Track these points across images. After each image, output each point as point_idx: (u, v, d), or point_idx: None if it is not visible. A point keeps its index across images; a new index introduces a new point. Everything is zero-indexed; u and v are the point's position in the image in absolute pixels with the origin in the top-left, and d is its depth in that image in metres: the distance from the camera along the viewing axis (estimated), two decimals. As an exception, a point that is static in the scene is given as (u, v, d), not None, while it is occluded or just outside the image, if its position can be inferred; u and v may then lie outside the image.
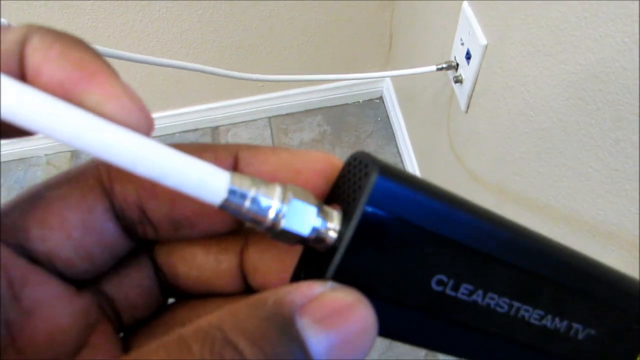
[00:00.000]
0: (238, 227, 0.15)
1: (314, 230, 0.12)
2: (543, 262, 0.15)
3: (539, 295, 0.15)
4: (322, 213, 0.13)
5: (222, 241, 0.15)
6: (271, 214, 0.12)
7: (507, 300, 0.14)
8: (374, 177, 0.12)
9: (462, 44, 0.65)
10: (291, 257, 0.15)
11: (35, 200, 0.13)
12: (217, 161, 0.13)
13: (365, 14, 1.04)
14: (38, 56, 0.10)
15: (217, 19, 0.99)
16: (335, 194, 0.14)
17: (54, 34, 0.11)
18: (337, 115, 1.23)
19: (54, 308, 0.12)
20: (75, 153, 1.21)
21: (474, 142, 0.69)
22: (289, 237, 0.12)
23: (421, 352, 0.94)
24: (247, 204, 0.11)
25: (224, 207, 0.11)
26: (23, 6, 0.90)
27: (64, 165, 1.20)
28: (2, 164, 1.21)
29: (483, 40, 0.59)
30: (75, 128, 0.09)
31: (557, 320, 0.15)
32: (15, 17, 0.92)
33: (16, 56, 0.10)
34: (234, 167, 0.13)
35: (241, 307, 0.11)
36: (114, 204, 0.13)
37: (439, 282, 0.13)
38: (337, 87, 1.20)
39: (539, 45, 0.48)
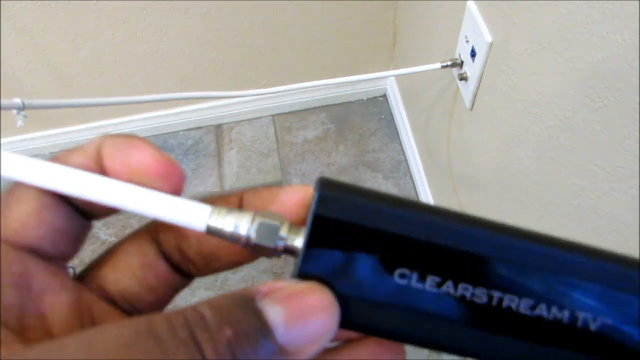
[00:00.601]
0: (255, 258, 0.18)
1: (280, 243, 0.15)
2: (511, 249, 0.15)
3: (522, 284, 0.15)
4: (289, 229, 0.15)
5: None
6: (244, 233, 0.15)
7: (484, 290, 0.15)
8: (317, 192, 0.15)
9: (467, 41, 0.65)
10: None
11: (107, 254, 0.17)
12: (227, 204, 0.17)
13: (369, 11, 1.04)
14: (110, 160, 0.16)
15: (221, 17, 0.99)
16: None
17: (119, 140, 0.16)
18: (340, 113, 1.23)
19: None
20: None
21: (479, 139, 0.69)
22: (264, 251, 0.15)
23: (424, 352, 0.94)
24: (225, 227, 0.15)
25: (209, 232, 0.15)
26: (28, 5, 0.90)
27: (68, 164, 1.20)
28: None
29: (488, 38, 0.59)
30: (138, 204, 0.15)
31: (554, 309, 0.15)
32: (20, 17, 0.92)
33: (96, 158, 0.16)
34: (239, 206, 0.17)
35: (216, 296, 0.13)
36: (161, 248, 0.17)
37: (402, 275, 0.15)
38: (341, 85, 1.20)
39: (545, 42, 0.48)
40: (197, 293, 1.00)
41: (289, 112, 1.23)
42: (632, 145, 0.40)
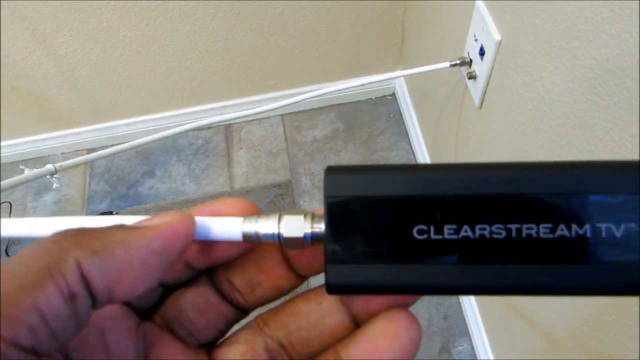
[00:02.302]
0: (298, 282, 0.19)
1: (308, 232, 0.17)
2: (510, 182, 0.15)
3: (534, 211, 0.15)
4: (313, 219, 0.17)
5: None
6: (274, 231, 0.17)
7: (500, 225, 0.15)
8: (325, 177, 0.16)
9: (476, 40, 0.65)
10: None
11: (173, 299, 0.19)
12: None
13: (377, 10, 1.04)
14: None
15: (229, 18, 0.99)
16: None
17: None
18: (349, 113, 1.23)
19: None
20: (90, 151, 1.23)
21: (488, 138, 0.69)
22: (295, 243, 0.17)
23: (434, 350, 0.94)
24: (258, 230, 0.17)
25: (246, 239, 0.17)
26: (39, 6, 0.91)
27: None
28: (20, 163, 1.23)
29: (497, 36, 0.59)
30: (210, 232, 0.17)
31: (575, 227, 0.15)
32: (32, 16, 0.93)
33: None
34: None
35: None
36: (213, 280, 0.19)
37: (420, 232, 0.16)
38: (350, 86, 1.20)
39: (554, 40, 0.48)
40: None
41: (298, 112, 1.24)
42: (643, 143, 0.40)
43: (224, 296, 0.19)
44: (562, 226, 0.15)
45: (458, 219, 0.15)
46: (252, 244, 0.18)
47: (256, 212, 0.18)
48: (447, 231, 0.15)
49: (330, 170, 0.17)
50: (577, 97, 0.46)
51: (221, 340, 0.19)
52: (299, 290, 0.19)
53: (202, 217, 0.17)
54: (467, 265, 0.15)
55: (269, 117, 1.24)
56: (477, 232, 0.15)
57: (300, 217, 0.17)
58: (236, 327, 0.20)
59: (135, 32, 0.99)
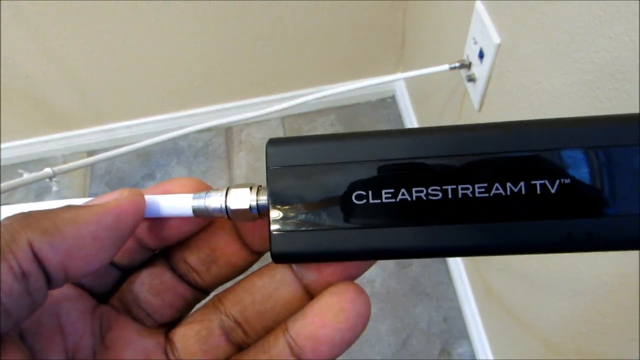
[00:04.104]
0: (254, 258, 0.19)
1: (254, 203, 0.17)
2: (444, 145, 0.16)
3: (468, 172, 0.16)
4: (258, 192, 0.17)
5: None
6: (221, 204, 0.17)
7: (436, 187, 0.16)
8: (267, 149, 0.17)
9: (475, 42, 0.65)
10: None
11: (129, 282, 0.19)
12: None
13: (377, 13, 1.04)
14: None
15: (230, 20, 1.00)
16: None
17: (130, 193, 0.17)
18: (349, 115, 1.23)
19: (127, 344, 0.18)
20: (91, 153, 1.23)
21: (488, 141, 0.69)
22: (243, 215, 0.17)
23: (434, 352, 0.94)
24: (207, 205, 0.17)
25: (196, 214, 0.17)
26: (40, 8, 0.92)
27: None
28: (20, 165, 1.23)
29: (496, 39, 0.59)
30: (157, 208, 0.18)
31: (509, 185, 0.15)
32: (33, 18, 0.93)
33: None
34: None
35: None
36: (169, 262, 0.19)
37: (359, 197, 0.16)
38: (350, 88, 1.20)
39: (553, 43, 0.48)
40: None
41: (298, 114, 1.24)
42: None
43: (181, 277, 0.19)
44: (497, 185, 0.15)
45: (395, 182, 0.16)
46: (204, 221, 0.18)
47: (207, 188, 0.18)
48: (385, 195, 0.16)
49: (272, 142, 0.17)
50: (576, 100, 0.46)
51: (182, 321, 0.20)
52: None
53: (152, 195, 0.17)
54: (405, 227, 0.16)
55: (269, 120, 1.24)
56: (414, 195, 0.16)
57: (247, 190, 0.17)
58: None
59: (135, 35, 0.99)
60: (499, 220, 0.15)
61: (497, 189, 0.15)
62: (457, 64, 0.70)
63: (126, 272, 0.19)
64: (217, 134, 1.24)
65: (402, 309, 0.98)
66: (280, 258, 0.17)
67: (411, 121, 1.13)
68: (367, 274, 0.94)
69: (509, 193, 0.15)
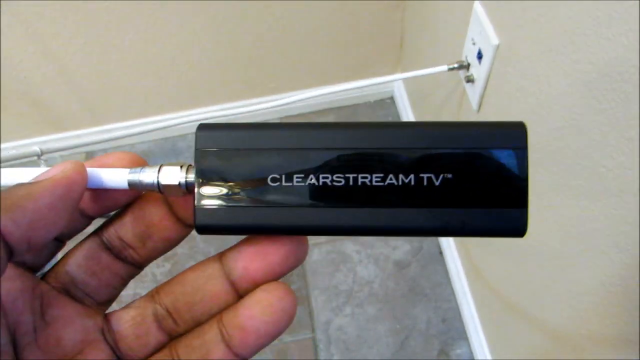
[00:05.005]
0: (186, 232, 0.21)
1: (182, 180, 0.19)
2: (352, 138, 0.18)
3: (368, 163, 0.18)
4: (188, 170, 0.19)
5: None
6: (153, 179, 0.19)
7: (340, 175, 0.18)
8: (196, 132, 0.19)
9: (474, 43, 0.65)
10: None
11: (65, 254, 0.21)
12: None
13: (376, 13, 1.04)
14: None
15: (228, 21, 1.00)
16: None
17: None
18: (348, 116, 1.23)
19: (67, 323, 0.20)
20: (89, 154, 1.23)
21: (486, 141, 0.69)
22: (173, 190, 0.19)
23: (433, 353, 0.94)
24: (141, 179, 0.19)
25: (131, 187, 0.19)
26: (38, 9, 0.91)
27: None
28: (19, 165, 1.23)
29: (494, 40, 0.59)
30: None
31: (401, 176, 0.18)
32: (31, 19, 0.93)
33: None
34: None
35: None
36: (104, 240, 0.20)
37: (273, 180, 0.18)
38: (348, 88, 1.21)
39: (551, 44, 0.48)
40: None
41: (297, 115, 1.24)
42: (639, 146, 0.40)
43: (116, 255, 0.20)
44: (391, 175, 0.18)
45: (305, 169, 0.18)
46: (138, 192, 0.20)
47: (143, 164, 0.20)
48: (296, 179, 0.18)
49: (201, 127, 0.19)
50: (575, 101, 0.46)
51: (122, 306, 0.21)
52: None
53: (93, 168, 0.19)
54: (311, 208, 0.18)
55: (268, 120, 1.24)
56: (321, 180, 0.18)
57: (177, 168, 0.19)
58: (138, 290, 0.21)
59: (134, 35, 0.99)
60: (390, 206, 0.18)
61: (390, 179, 0.18)
62: (455, 65, 0.70)
63: (62, 243, 0.21)
64: (216, 135, 1.24)
65: (401, 309, 0.98)
66: (202, 230, 0.19)
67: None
68: (365, 274, 0.94)
69: (400, 183, 0.18)
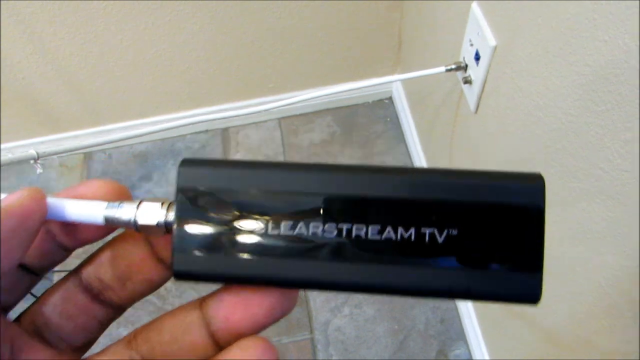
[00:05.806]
0: (169, 274, 0.19)
1: (162, 220, 0.17)
2: (344, 184, 0.17)
3: (365, 212, 0.16)
4: (169, 208, 0.17)
5: None
6: (130, 217, 0.17)
7: (332, 225, 0.16)
8: (178, 169, 0.17)
9: (471, 44, 0.65)
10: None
11: (41, 295, 0.19)
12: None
13: (374, 14, 1.04)
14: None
15: (227, 21, 1.00)
16: None
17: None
18: (346, 116, 1.23)
19: None
20: (88, 155, 1.23)
21: (484, 142, 0.69)
22: (152, 230, 0.17)
23: (431, 354, 0.94)
24: (117, 216, 0.17)
25: (107, 222, 0.17)
26: (37, 9, 0.91)
27: (76, 167, 1.22)
28: (16, 165, 1.23)
29: (492, 41, 0.59)
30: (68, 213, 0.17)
31: (400, 230, 0.16)
32: (29, 19, 0.93)
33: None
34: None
35: None
36: (82, 282, 0.19)
37: (260, 225, 0.17)
38: (347, 88, 1.21)
39: (549, 46, 0.48)
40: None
41: (295, 115, 1.24)
42: (636, 149, 0.40)
43: (95, 296, 0.19)
44: (389, 228, 0.16)
45: (293, 215, 0.16)
46: (115, 228, 0.18)
47: (124, 195, 0.18)
48: (284, 227, 0.16)
49: (184, 163, 0.17)
50: (571, 103, 0.47)
51: (97, 351, 0.19)
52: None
53: (65, 199, 0.17)
54: (299, 260, 0.16)
55: (266, 121, 1.24)
56: (311, 230, 0.16)
57: (157, 205, 0.17)
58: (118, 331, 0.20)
59: (132, 36, 0.99)
60: (387, 264, 0.16)
61: (388, 232, 0.16)
62: (453, 66, 0.70)
63: (36, 278, 0.19)
64: (214, 135, 1.24)
65: (399, 310, 0.98)
66: (180, 276, 0.17)
67: (408, 122, 1.13)
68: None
69: (399, 238, 0.16)
